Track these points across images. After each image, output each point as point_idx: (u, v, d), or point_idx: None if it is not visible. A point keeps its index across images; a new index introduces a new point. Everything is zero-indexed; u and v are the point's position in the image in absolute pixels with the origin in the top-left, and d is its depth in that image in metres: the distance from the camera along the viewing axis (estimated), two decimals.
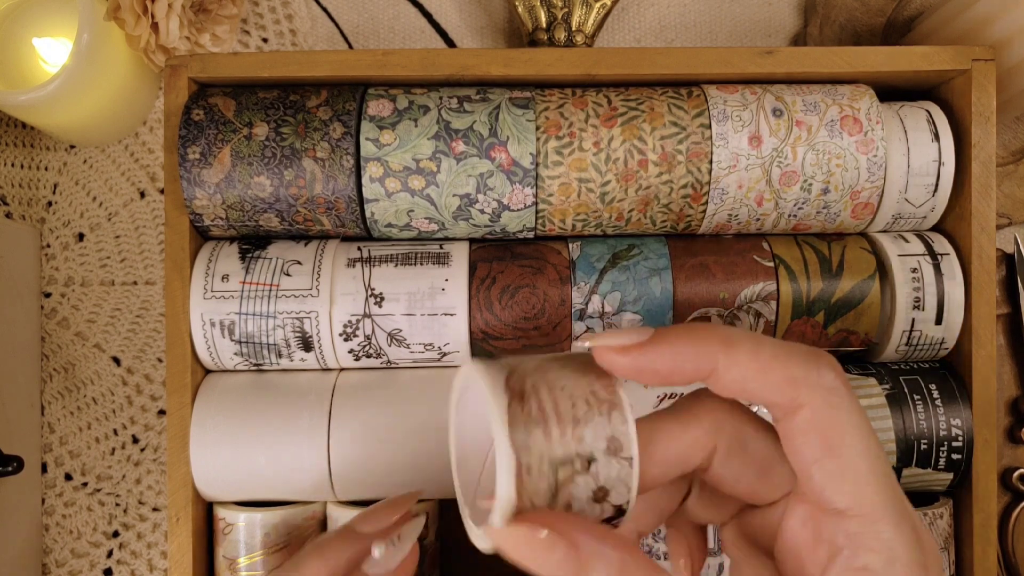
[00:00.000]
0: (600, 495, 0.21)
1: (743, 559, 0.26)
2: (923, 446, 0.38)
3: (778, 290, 0.38)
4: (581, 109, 0.38)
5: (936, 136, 0.39)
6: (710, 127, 0.38)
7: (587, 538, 0.20)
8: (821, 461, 0.21)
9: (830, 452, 0.21)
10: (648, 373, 0.22)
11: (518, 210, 0.38)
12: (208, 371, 0.41)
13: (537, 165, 0.37)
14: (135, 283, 0.49)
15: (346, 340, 0.38)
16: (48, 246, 0.49)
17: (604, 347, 0.22)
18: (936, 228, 0.42)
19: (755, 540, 0.25)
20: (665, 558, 0.39)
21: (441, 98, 0.38)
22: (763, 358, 0.21)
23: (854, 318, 0.39)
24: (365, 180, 0.37)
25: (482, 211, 0.38)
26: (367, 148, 0.37)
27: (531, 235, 0.40)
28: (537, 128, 0.37)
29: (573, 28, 0.45)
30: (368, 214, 0.38)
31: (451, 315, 0.37)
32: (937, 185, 0.39)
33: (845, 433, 0.21)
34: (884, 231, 0.41)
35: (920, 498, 0.40)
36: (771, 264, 0.39)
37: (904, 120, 0.39)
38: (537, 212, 0.38)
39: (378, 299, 0.38)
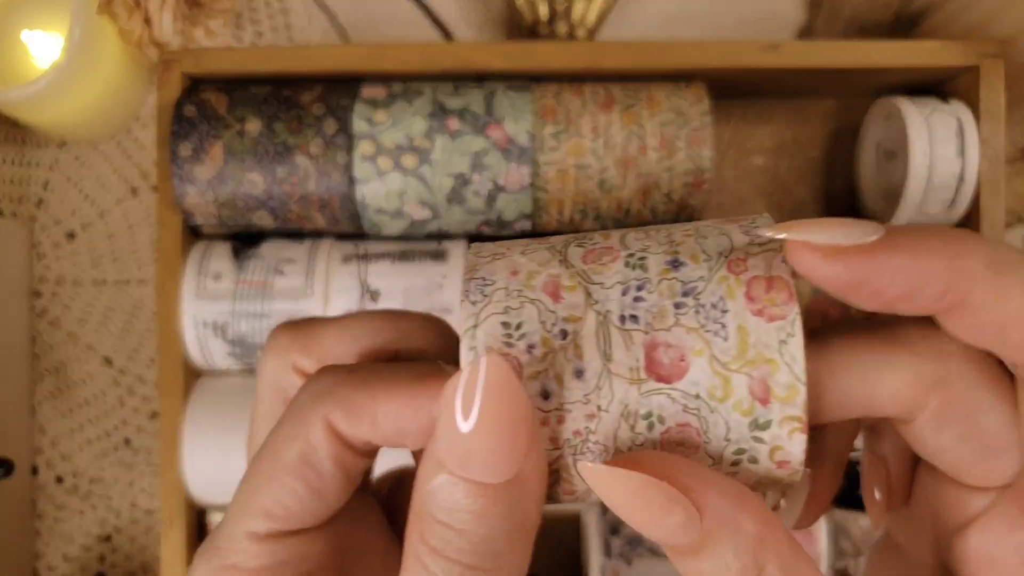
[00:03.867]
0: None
1: (900, 528, 0.20)
2: None
3: (796, 288, 0.38)
4: (578, 96, 0.37)
5: (961, 151, 0.38)
6: (709, 114, 0.37)
7: (720, 502, 0.15)
8: None
9: None
10: (865, 291, 0.15)
11: (514, 192, 0.37)
12: (201, 371, 0.40)
13: (534, 149, 0.36)
14: (127, 282, 0.48)
15: None
16: (39, 244, 0.48)
17: (802, 244, 0.16)
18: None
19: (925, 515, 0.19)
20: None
21: (437, 85, 0.37)
22: None
23: None
24: (356, 159, 0.36)
25: (476, 193, 0.37)
26: (359, 127, 0.36)
27: (528, 224, 0.39)
28: (534, 114, 0.37)
29: (574, 21, 0.45)
30: (359, 197, 0.37)
31: (449, 312, 0.36)
32: (954, 200, 0.39)
33: None
34: None
35: None
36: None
37: (932, 131, 0.38)
38: (534, 197, 0.37)
39: (374, 295, 0.37)
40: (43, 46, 0.44)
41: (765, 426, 0.16)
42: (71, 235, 0.48)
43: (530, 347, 0.16)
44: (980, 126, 0.39)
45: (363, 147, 0.36)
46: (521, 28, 0.46)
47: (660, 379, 0.16)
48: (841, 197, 0.46)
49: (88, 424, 0.48)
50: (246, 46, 0.48)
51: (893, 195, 0.41)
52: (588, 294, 0.16)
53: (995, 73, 0.39)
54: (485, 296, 0.17)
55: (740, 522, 0.15)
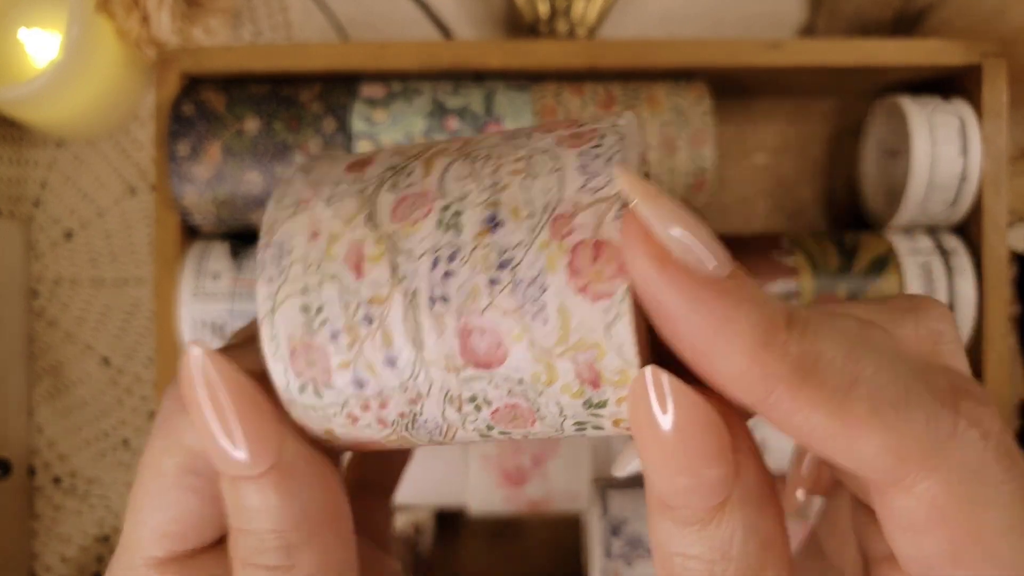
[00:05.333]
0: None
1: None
2: None
3: (800, 288, 0.37)
4: (578, 96, 0.37)
5: (964, 150, 0.38)
6: (710, 113, 0.37)
7: (756, 478, 0.13)
8: (944, 570, 0.13)
9: (958, 561, 0.13)
10: (663, 322, 0.13)
11: None
12: None
13: None
14: (126, 281, 0.48)
15: None
16: (36, 244, 0.48)
17: (643, 228, 0.13)
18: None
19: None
20: None
21: (436, 84, 0.37)
22: (855, 409, 0.12)
23: (877, 291, 0.38)
24: None
25: None
26: (358, 126, 0.36)
27: None
28: (534, 113, 0.36)
29: (575, 20, 0.44)
30: None
31: None
32: (956, 199, 0.39)
33: (991, 534, 0.13)
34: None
35: None
36: (791, 263, 0.38)
37: (934, 130, 0.38)
38: None
39: None
40: (40, 44, 0.44)
41: (601, 405, 0.14)
42: (69, 234, 0.48)
43: (334, 335, 0.15)
44: (982, 125, 0.38)
45: (362, 146, 0.36)
46: (521, 27, 0.46)
47: (478, 365, 0.14)
48: (843, 196, 0.46)
49: (86, 424, 0.47)
50: (245, 44, 0.48)
51: (895, 194, 0.41)
52: (394, 269, 0.14)
53: (997, 72, 0.38)
54: (281, 272, 0.15)
55: (763, 510, 0.13)
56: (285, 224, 0.15)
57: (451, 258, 0.14)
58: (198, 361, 0.14)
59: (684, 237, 0.13)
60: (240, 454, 0.14)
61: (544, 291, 0.14)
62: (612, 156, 0.14)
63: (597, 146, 0.14)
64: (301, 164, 0.17)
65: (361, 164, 0.16)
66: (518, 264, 0.14)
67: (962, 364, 0.15)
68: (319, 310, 0.15)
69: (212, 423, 0.14)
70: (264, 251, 0.15)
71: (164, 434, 0.16)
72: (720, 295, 0.12)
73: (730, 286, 0.13)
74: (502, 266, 0.14)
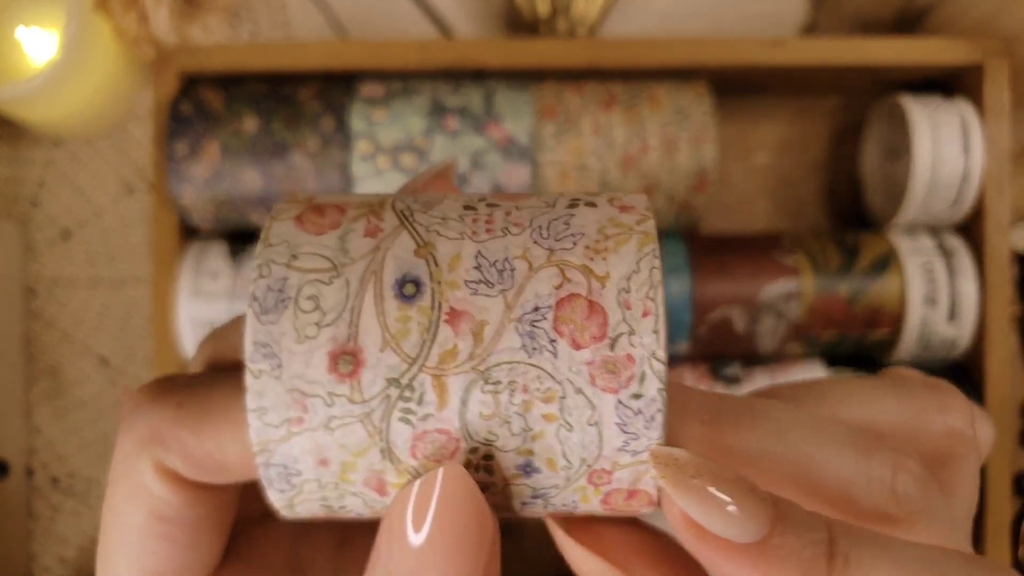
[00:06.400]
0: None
1: None
2: None
3: (801, 288, 0.37)
4: (578, 95, 0.37)
5: (966, 149, 0.38)
6: (711, 112, 0.37)
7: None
8: None
9: None
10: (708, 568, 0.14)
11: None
12: None
13: (534, 149, 0.36)
14: (124, 281, 0.47)
15: None
16: (34, 243, 0.48)
17: (681, 513, 0.13)
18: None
19: None
20: None
21: (436, 83, 0.37)
22: None
23: (878, 291, 0.37)
24: (355, 158, 0.36)
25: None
26: (358, 125, 0.36)
27: None
28: (534, 113, 0.36)
29: (575, 18, 0.44)
30: None
31: None
32: (958, 199, 0.38)
33: None
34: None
35: None
36: (792, 263, 0.37)
37: (936, 129, 0.38)
38: None
39: None
40: (38, 43, 0.44)
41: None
42: (66, 234, 0.48)
43: (362, 517, 0.15)
44: (984, 124, 0.38)
45: (361, 146, 0.36)
46: (521, 25, 0.46)
47: None
48: (844, 195, 0.46)
49: (84, 425, 0.47)
50: (243, 43, 0.48)
51: (897, 193, 0.40)
52: None
53: (1000, 71, 0.38)
54: (293, 487, 0.14)
55: None
56: (281, 447, 0.14)
57: (483, 488, 0.14)
58: (449, 479, 0.13)
59: (719, 518, 0.13)
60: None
61: (575, 509, 0.14)
62: (654, 416, 0.13)
63: (637, 396, 0.13)
64: (252, 313, 0.14)
65: (351, 360, 0.13)
66: (552, 498, 0.14)
67: (968, 470, 0.16)
68: (343, 508, 0.15)
69: (433, 543, 0.13)
70: (266, 469, 0.14)
71: (126, 478, 0.15)
72: (757, 558, 0.13)
73: (768, 548, 0.13)
74: (536, 497, 0.14)
